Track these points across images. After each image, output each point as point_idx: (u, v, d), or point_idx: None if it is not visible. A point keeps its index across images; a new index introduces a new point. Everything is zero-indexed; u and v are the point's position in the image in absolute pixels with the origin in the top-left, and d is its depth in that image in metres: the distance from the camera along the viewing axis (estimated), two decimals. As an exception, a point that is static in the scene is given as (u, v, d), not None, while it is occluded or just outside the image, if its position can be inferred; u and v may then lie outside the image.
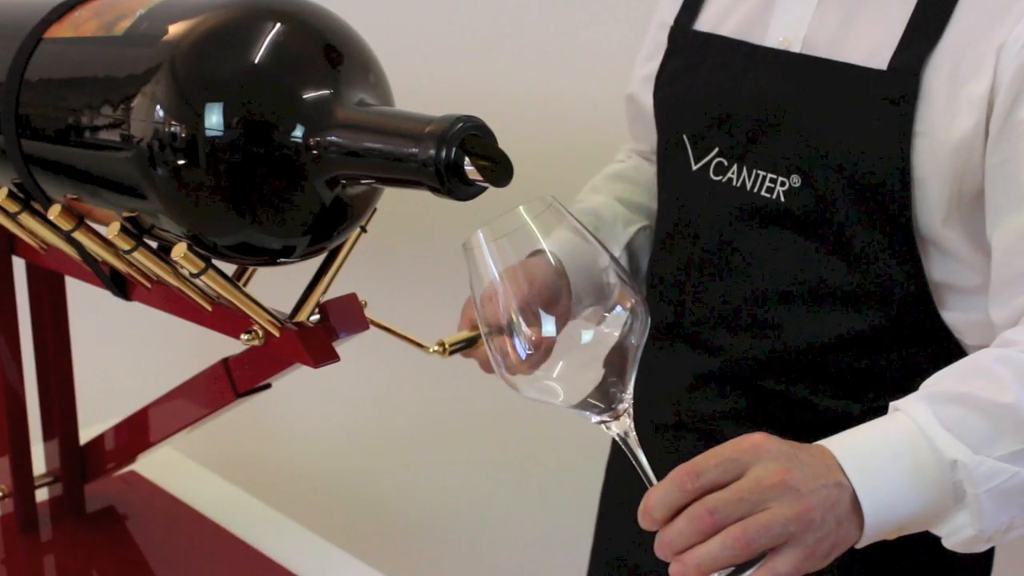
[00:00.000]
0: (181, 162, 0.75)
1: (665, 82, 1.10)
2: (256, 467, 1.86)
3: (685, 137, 1.06)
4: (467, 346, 1.04)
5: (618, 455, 1.22)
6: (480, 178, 0.69)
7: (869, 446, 0.79)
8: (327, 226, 0.80)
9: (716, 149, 1.03)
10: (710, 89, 1.05)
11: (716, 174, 1.03)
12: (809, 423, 1.01)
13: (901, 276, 0.96)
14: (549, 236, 0.74)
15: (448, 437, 1.94)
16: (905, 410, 0.81)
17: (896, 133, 0.93)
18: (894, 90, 0.93)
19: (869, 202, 0.95)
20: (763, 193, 1.00)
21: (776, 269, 1.01)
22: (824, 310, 0.99)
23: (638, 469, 0.78)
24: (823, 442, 0.80)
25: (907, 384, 0.87)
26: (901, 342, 0.99)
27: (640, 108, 1.17)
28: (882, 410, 0.83)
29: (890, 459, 0.78)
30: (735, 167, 1.02)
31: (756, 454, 0.75)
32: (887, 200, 0.94)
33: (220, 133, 0.74)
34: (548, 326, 0.75)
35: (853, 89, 0.95)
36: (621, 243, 1.16)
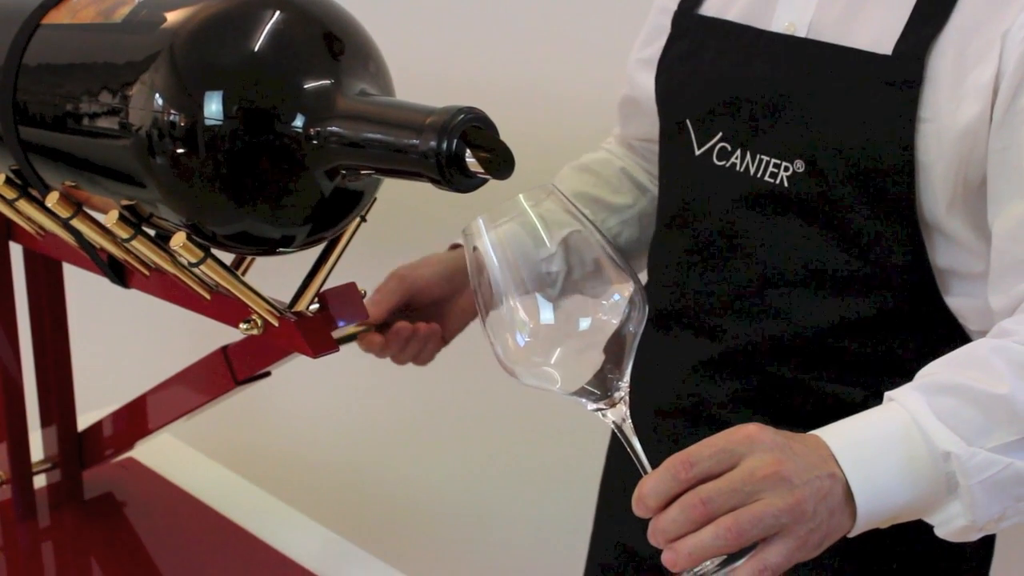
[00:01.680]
0: (180, 151, 0.74)
1: (668, 66, 1.10)
2: (254, 454, 1.86)
3: (688, 122, 1.05)
4: (351, 339, 1.11)
5: (618, 441, 1.22)
6: (481, 170, 0.69)
7: (863, 436, 0.79)
8: (327, 216, 0.80)
9: (720, 134, 1.03)
10: (714, 74, 1.04)
11: (719, 159, 1.03)
12: (811, 408, 1.01)
13: (904, 262, 0.96)
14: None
15: (448, 424, 1.94)
16: (899, 400, 0.81)
17: (901, 118, 0.92)
18: (899, 75, 0.92)
19: (873, 188, 0.95)
20: (767, 178, 1.00)
21: (779, 254, 1.00)
22: (827, 295, 0.99)
23: (633, 457, 0.78)
24: (817, 432, 0.80)
25: (910, 369, 0.87)
26: (904, 327, 0.99)
27: (634, 91, 1.17)
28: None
29: (883, 450, 0.78)
30: (739, 152, 1.01)
31: (750, 445, 0.75)
32: (891, 186, 0.94)
33: (219, 122, 0.73)
34: (546, 313, 0.74)
35: (858, 74, 0.95)
36: (556, 240, 1.14)
